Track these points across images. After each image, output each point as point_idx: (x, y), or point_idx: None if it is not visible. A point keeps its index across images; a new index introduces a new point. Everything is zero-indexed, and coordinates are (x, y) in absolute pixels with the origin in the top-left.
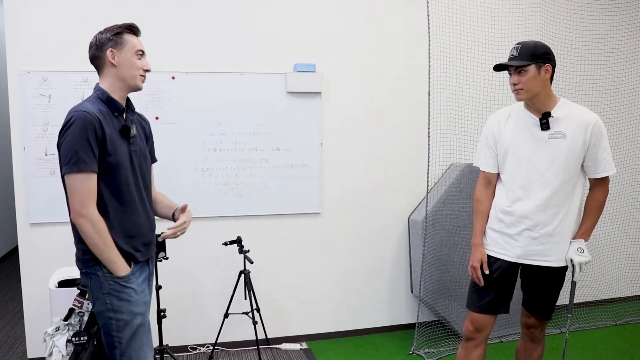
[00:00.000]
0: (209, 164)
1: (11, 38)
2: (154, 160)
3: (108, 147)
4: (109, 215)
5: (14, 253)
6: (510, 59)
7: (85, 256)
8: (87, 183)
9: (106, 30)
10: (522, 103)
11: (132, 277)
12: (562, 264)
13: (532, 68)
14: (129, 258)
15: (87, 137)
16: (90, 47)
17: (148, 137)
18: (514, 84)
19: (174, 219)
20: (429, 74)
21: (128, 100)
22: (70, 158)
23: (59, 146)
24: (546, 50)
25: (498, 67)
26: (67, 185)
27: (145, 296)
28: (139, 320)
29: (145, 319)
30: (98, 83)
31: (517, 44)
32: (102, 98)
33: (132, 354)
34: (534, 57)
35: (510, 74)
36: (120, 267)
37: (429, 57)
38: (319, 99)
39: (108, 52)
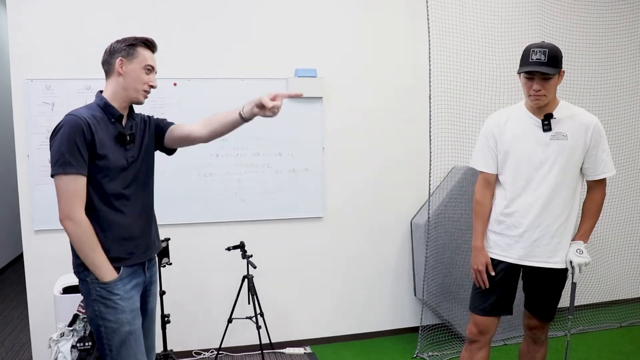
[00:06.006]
0: (212, 169)
1: (14, 46)
2: (170, 124)
3: (98, 150)
4: (99, 218)
5: (19, 260)
6: (538, 64)
7: (77, 261)
8: (73, 185)
9: (123, 39)
10: (522, 104)
11: (120, 283)
12: (563, 265)
13: (556, 75)
14: (118, 262)
15: (75, 140)
16: (105, 52)
17: (156, 126)
18: (537, 90)
19: (243, 118)
20: (430, 78)
21: (130, 107)
22: (57, 160)
23: (49, 150)
24: (561, 55)
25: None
26: (55, 187)
27: (133, 303)
28: (127, 327)
29: (134, 327)
30: (100, 91)
31: (541, 47)
32: (100, 104)
33: None
34: (559, 64)
35: (530, 77)
36: (106, 272)
37: (429, 61)
38: (320, 104)
39: (117, 61)
